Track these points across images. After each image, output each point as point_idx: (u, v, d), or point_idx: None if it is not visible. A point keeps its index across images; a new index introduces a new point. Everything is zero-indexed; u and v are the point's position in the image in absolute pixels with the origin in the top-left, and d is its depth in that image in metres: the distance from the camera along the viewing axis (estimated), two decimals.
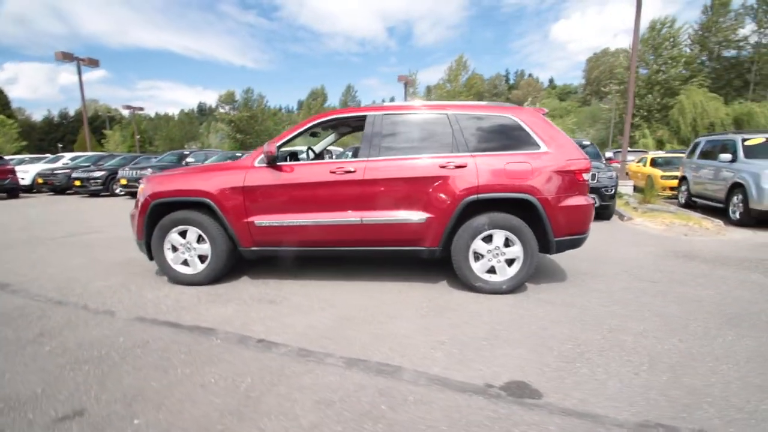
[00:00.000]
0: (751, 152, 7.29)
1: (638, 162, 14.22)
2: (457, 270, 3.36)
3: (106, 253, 4.99)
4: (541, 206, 3.19)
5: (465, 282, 3.38)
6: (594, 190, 6.79)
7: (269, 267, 4.17)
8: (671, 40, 35.29)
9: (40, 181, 14.61)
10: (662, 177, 11.59)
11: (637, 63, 38.41)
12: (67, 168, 14.95)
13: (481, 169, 3.22)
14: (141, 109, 41.60)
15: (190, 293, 3.40)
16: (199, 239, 3.54)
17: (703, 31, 37.13)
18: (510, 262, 3.35)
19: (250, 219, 3.42)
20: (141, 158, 15.95)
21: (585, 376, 2.11)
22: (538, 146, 3.28)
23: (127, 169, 12.81)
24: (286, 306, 3.13)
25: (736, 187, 7.12)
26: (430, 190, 3.26)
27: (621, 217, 7.63)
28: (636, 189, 11.56)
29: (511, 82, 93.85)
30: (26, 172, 15.19)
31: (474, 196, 3.21)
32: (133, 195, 12.67)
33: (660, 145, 32.16)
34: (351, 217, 3.33)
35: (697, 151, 9.26)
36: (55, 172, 14.60)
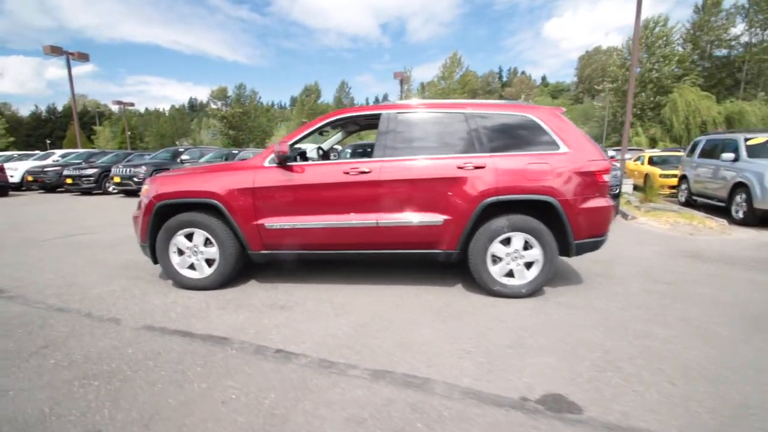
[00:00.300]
0: (754, 152, 7.30)
1: (635, 160, 14.28)
2: (475, 273, 3.28)
3: (104, 255, 4.82)
4: (561, 208, 3.11)
5: (482, 286, 3.30)
6: None
7: (277, 270, 4.04)
8: (664, 38, 35.59)
9: (30, 178, 14.23)
10: (661, 175, 11.64)
11: (630, 61, 38.94)
12: (58, 165, 14.59)
13: (500, 170, 3.13)
14: (131, 104, 40.88)
15: (198, 299, 3.28)
16: (207, 242, 3.41)
17: (695, 30, 37.46)
18: (528, 265, 3.27)
19: (260, 221, 3.29)
20: (134, 155, 15.62)
21: (621, 387, 2.04)
22: (557, 146, 3.20)
23: (120, 166, 12.52)
24: (300, 312, 3.02)
25: (739, 187, 7.14)
26: (448, 191, 3.16)
27: (625, 216, 7.62)
28: (635, 188, 11.59)
29: (504, 79, 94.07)
30: (15, 170, 14.79)
31: (493, 198, 3.12)
32: (127, 193, 12.42)
33: (653, 143, 32.47)
34: (366, 219, 3.22)
35: (698, 150, 9.28)
36: (46, 169, 14.24)
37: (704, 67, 37.78)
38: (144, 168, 11.79)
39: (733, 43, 35.92)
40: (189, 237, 3.42)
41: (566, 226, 3.15)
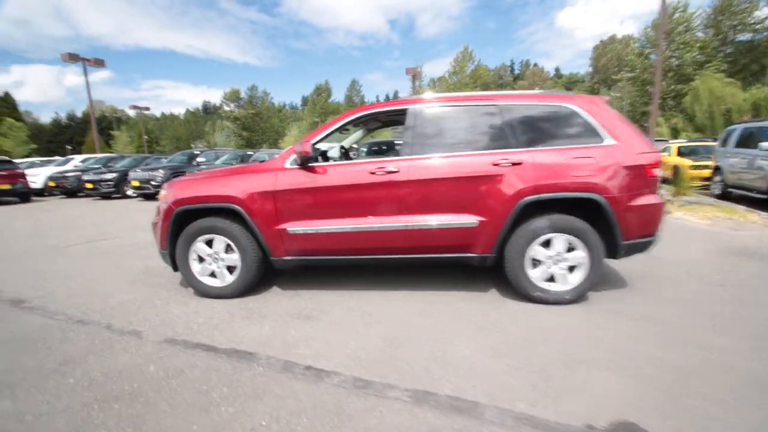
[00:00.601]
0: None
1: (662, 151, 13.70)
2: (512, 278, 3.04)
3: (124, 261, 4.74)
4: (608, 206, 2.85)
5: (521, 291, 3.06)
6: None
7: (300, 276, 3.88)
8: (684, 24, 34.29)
9: (51, 184, 14.49)
10: (691, 167, 11.11)
11: (650, 49, 37.75)
12: (78, 170, 14.81)
13: (539, 166, 2.88)
14: (147, 109, 41.58)
15: (220, 308, 3.13)
16: (227, 249, 3.26)
17: (716, 14, 35.99)
18: (571, 269, 3.02)
19: (282, 226, 3.12)
20: (151, 159, 15.76)
21: (700, 413, 1.78)
22: (602, 138, 2.93)
23: (138, 170, 12.62)
24: (327, 322, 2.84)
25: None
26: (482, 190, 2.93)
27: None
28: (664, 180, 11.09)
29: (516, 72, 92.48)
30: (37, 176, 15.08)
31: (532, 197, 2.88)
32: (145, 197, 12.50)
33: (675, 132, 31.35)
34: (394, 222, 3.02)
35: (732, 140, 8.79)
36: (66, 174, 14.46)
37: (727, 52, 36.28)
38: (161, 171, 11.84)
39: (757, 26, 34.35)
40: (209, 243, 3.27)
41: (614, 225, 2.89)
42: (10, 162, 13.58)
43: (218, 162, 12.75)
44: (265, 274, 3.50)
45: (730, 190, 8.64)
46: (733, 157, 8.48)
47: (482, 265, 3.14)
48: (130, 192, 12.93)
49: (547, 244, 3.00)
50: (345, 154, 4.28)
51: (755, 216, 6.43)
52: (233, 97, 56.46)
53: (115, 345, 2.57)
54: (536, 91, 3.19)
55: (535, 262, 3.03)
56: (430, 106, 3.13)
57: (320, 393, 1.99)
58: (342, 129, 3.47)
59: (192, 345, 2.53)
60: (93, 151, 25.96)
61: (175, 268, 3.38)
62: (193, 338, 2.62)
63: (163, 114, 74.26)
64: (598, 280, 3.10)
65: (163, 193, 3.40)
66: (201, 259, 3.30)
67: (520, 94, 3.14)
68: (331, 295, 3.36)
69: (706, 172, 10.31)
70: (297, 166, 3.13)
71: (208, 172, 3.63)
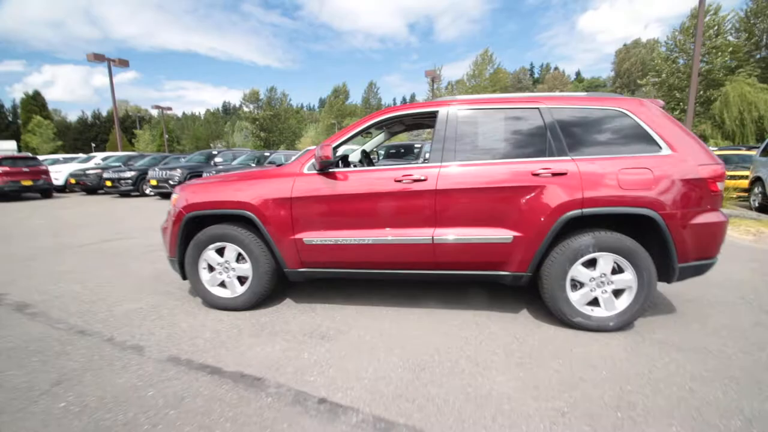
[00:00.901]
0: None
1: None
2: (549, 300, 2.73)
3: (135, 264, 4.60)
4: (664, 224, 2.52)
5: (558, 315, 2.75)
6: None
7: (314, 288, 3.64)
8: (715, 28, 32.99)
9: (72, 181, 14.74)
10: (728, 177, 10.50)
11: (677, 53, 36.49)
12: (99, 168, 15.02)
13: (586, 177, 2.57)
14: (169, 109, 42.37)
15: (229, 322, 2.91)
16: (239, 258, 3.04)
17: (750, 17, 34.55)
18: (617, 293, 2.69)
19: (298, 236, 2.89)
20: (170, 158, 15.88)
21: None
22: (659, 148, 2.60)
23: (156, 169, 12.68)
24: (344, 343, 2.58)
25: None
26: (520, 203, 2.64)
27: None
28: None
29: (536, 75, 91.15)
30: (59, 172, 15.37)
31: (576, 211, 2.56)
32: (163, 196, 12.55)
33: (703, 140, 30.13)
34: (419, 235, 2.75)
35: None
36: (87, 172, 14.68)
37: (760, 57, 34.75)
38: (179, 171, 11.85)
39: None
40: (220, 252, 3.06)
41: (669, 246, 2.55)
42: (33, 159, 13.84)
43: (235, 162, 12.70)
44: (277, 285, 3.27)
45: None
46: None
47: (515, 284, 2.83)
48: (148, 191, 13.01)
49: (590, 264, 2.68)
50: (366, 158, 4.03)
51: None
52: (253, 98, 57.13)
53: (115, 362, 2.37)
54: (584, 93, 2.87)
55: (576, 284, 2.72)
56: (463, 108, 2.85)
57: None
58: (365, 132, 3.22)
59: (196, 366, 2.30)
60: (116, 149, 26.52)
61: (184, 277, 3.18)
62: (198, 357, 2.40)
63: (184, 114, 75.74)
64: (648, 308, 2.76)
65: (174, 196, 3.21)
66: (211, 268, 3.09)
67: (565, 96, 2.83)
68: (348, 311, 3.11)
69: (743, 183, 9.71)
70: (315, 172, 2.89)
71: (221, 176, 3.43)
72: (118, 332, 2.77)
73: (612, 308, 2.68)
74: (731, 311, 3.11)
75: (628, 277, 2.63)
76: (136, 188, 13.32)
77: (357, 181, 2.84)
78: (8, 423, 1.82)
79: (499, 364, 2.30)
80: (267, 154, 14.04)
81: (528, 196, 2.62)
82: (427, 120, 3.51)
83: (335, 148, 2.88)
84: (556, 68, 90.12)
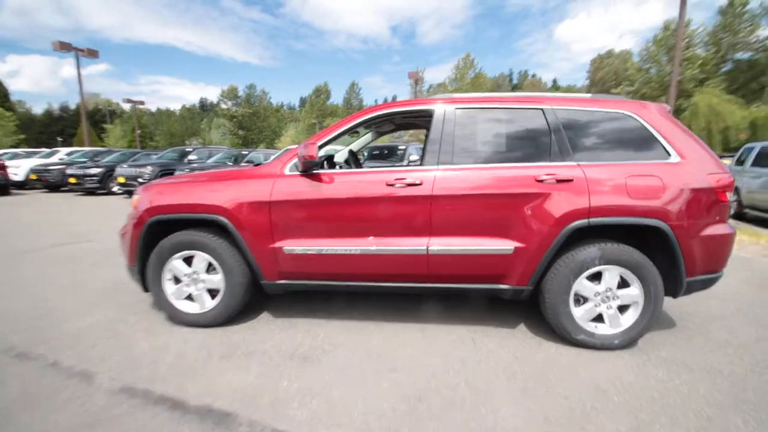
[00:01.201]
0: None
1: None
2: (552, 317, 2.53)
3: (93, 271, 4.16)
4: (674, 236, 2.36)
5: (560, 332, 2.55)
6: None
7: (295, 300, 3.33)
8: (686, 41, 34.39)
9: (33, 177, 13.76)
10: None
11: (650, 64, 37.89)
12: (62, 164, 14.10)
13: (593, 185, 2.39)
14: (142, 103, 40.72)
15: (196, 341, 2.58)
16: (209, 268, 2.71)
17: (718, 31, 36.19)
18: (622, 308, 2.52)
19: (278, 244, 2.59)
20: (140, 154, 15.12)
21: None
22: (668, 155, 2.44)
23: (125, 166, 11.99)
24: (329, 366, 2.30)
25: None
26: (522, 211, 2.43)
27: None
28: None
29: (515, 82, 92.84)
30: (19, 167, 14.34)
31: (583, 221, 2.38)
32: (131, 194, 11.79)
33: None
34: (413, 245, 2.50)
35: (750, 159, 8.42)
36: (50, 168, 13.74)
37: (726, 70, 36.45)
38: (149, 168, 11.22)
39: (758, 46, 34.54)
40: (188, 261, 2.72)
41: (678, 259, 2.40)
42: None
43: (211, 161, 12.14)
44: (253, 297, 2.95)
45: (746, 210, 8.26)
46: (751, 177, 8.10)
47: (514, 298, 2.63)
48: (115, 189, 12.26)
49: (594, 277, 2.50)
50: (354, 159, 3.76)
51: None
52: (231, 94, 55.76)
53: (58, 393, 2.01)
54: (589, 95, 2.70)
55: (579, 299, 2.53)
56: (461, 107, 2.62)
57: None
58: (352, 131, 2.95)
59: (155, 398, 1.97)
60: (84, 144, 25.15)
61: (146, 289, 2.82)
62: (158, 387, 2.07)
63: (158, 109, 73.08)
64: (653, 325, 2.60)
65: (135, 197, 2.85)
66: (177, 280, 2.75)
67: (569, 97, 2.65)
68: (332, 327, 2.82)
69: None
70: (298, 173, 2.60)
71: (191, 175, 3.09)
72: (65, 355, 2.39)
73: (617, 325, 2.50)
74: (731, 325, 3.00)
75: (634, 292, 2.46)
76: (102, 186, 12.56)
77: (344, 184, 2.57)
78: None
79: (502, 391, 2.07)
80: (245, 152, 13.51)
81: (531, 204, 2.41)
82: (419, 119, 3.28)
83: (320, 147, 2.59)
84: (534, 75, 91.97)
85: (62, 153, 16.60)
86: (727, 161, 11.03)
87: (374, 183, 2.54)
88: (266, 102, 57.80)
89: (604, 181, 2.39)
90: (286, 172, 2.62)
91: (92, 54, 22.85)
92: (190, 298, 2.77)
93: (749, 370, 2.35)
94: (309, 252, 2.57)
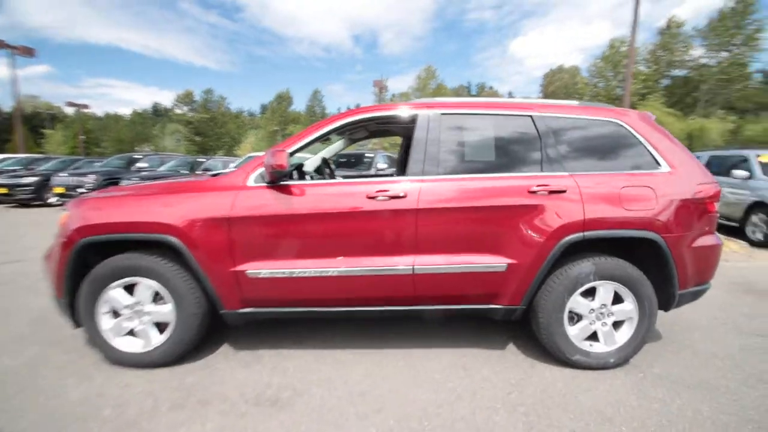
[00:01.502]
0: (767, 169, 6.94)
1: None
2: (545, 336, 2.35)
3: (20, 298, 3.54)
4: (667, 248, 2.26)
5: (555, 353, 2.38)
6: None
7: (259, 327, 2.94)
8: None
9: None
10: None
11: (597, 78, 40.46)
12: None
13: (587, 196, 2.24)
14: (86, 106, 37.93)
15: (140, 387, 2.15)
16: (156, 298, 2.30)
17: (657, 49, 39.30)
18: (615, 325, 2.39)
19: (241, 267, 2.23)
20: (82, 162, 13.86)
21: None
22: (657, 164, 2.36)
23: (63, 174, 10.85)
24: (303, 410, 1.97)
25: (757, 206, 6.71)
26: (515, 224, 2.24)
27: None
28: None
29: (473, 92, 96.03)
30: None
31: (578, 235, 2.22)
32: None
33: None
34: (397, 264, 2.24)
35: None
36: None
37: (665, 85, 39.61)
38: (92, 177, 10.24)
39: (691, 64, 37.87)
40: (129, 290, 2.29)
41: (671, 271, 2.30)
42: None
43: (162, 168, 11.28)
44: (211, 327, 2.56)
45: None
46: None
47: (506, 318, 2.43)
48: (52, 200, 11.07)
49: (587, 293, 2.35)
50: (327, 168, 3.44)
51: (735, 245, 6.36)
52: (186, 99, 53.29)
53: None
54: (576, 102, 2.58)
55: (573, 317, 2.37)
56: (448, 113, 2.40)
57: None
58: (324, 138, 2.64)
59: None
60: (19, 151, 22.84)
61: (77, 324, 2.35)
62: None
63: (106, 114, 68.37)
64: (646, 341, 2.49)
65: (63, 215, 2.38)
66: (116, 313, 2.30)
67: (558, 104, 2.51)
68: (305, 359, 2.48)
69: None
70: (265, 185, 2.26)
71: (134, 187, 2.66)
72: None
73: (612, 343, 2.37)
74: (712, 334, 2.98)
75: (628, 307, 2.34)
76: (37, 197, 11.31)
77: (318, 196, 2.26)
78: None
79: (504, 427, 1.84)
80: (201, 159, 12.72)
81: (524, 217, 2.23)
82: (397, 125, 3.04)
83: (292, 155, 2.28)
84: (491, 87, 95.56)
85: None
86: None
87: (353, 196, 2.26)
88: (224, 108, 55.72)
89: (597, 193, 2.26)
90: (251, 183, 2.27)
91: (28, 52, 20.95)
92: (132, 333, 2.33)
93: (743, 384, 2.28)
94: (277, 275, 2.23)
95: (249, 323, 2.73)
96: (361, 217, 2.21)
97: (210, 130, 52.23)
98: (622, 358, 2.37)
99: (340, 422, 1.88)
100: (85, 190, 9.87)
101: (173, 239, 2.19)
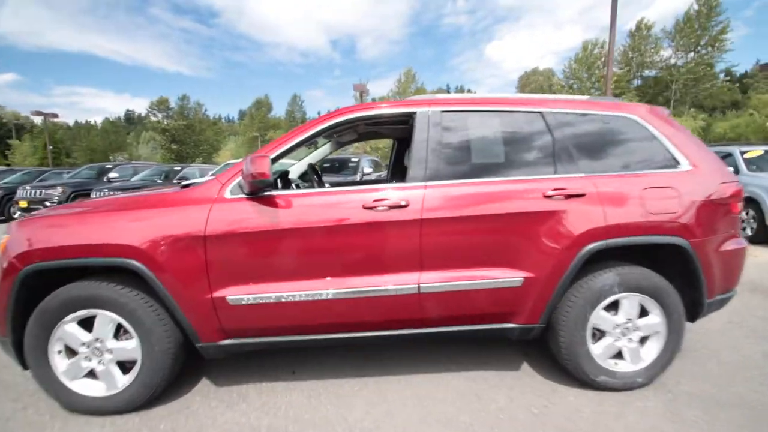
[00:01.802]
0: (752, 165, 6.99)
1: None
2: (567, 357, 2.12)
3: None
4: (695, 254, 2.06)
5: (577, 374, 2.14)
6: None
7: (243, 358, 2.61)
8: (603, 59, 38.00)
9: None
10: None
11: (572, 80, 41.35)
12: None
13: (607, 199, 2.03)
14: (55, 115, 36.21)
15: None
16: (119, 332, 1.96)
17: (628, 51, 40.47)
18: (642, 340, 2.18)
19: (219, 293, 1.91)
20: (50, 173, 13.09)
21: None
22: (677, 163, 2.16)
23: (28, 187, 10.15)
24: None
25: (744, 203, 6.74)
26: (530, 233, 2.00)
27: None
28: None
29: None
30: None
31: (600, 243, 2.00)
32: None
33: None
34: (400, 283, 1.96)
35: None
36: None
37: (637, 86, 40.83)
38: (59, 189, 9.59)
39: (661, 65, 39.13)
40: (86, 324, 1.94)
41: (699, 279, 2.11)
42: None
43: (136, 179, 10.71)
44: (188, 359, 2.22)
45: None
46: None
47: (522, 338, 2.18)
48: (17, 215, 10.35)
49: (610, 307, 2.13)
50: (315, 175, 3.12)
51: None
52: (161, 106, 51.81)
53: None
54: (586, 97, 2.37)
55: (595, 333, 2.15)
56: (447, 110, 2.15)
57: None
58: (310, 141, 2.35)
59: None
60: None
61: (25, 366, 1.98)
62: None
63: (77, 122, 65.86)
64: (674, 357, 2.28)
65: (4, 238, 2.01)
66: (71, 352, 1.95)
67: (567, 100, 2.29)
68: (297, 394, 2.17)
69: None
70: (244, 196, 1.96)
71: (91, 202, 2.30)
72: None
73: (638, 361, 2.15)
74: (731, 341, 2.82)
75: (655, 321, 2.13)
76: (0, 212, 10.58)
77: (307, 208, 1.97)
78: None
79: None
80: (177, 168, 12.15)
81: (540, 225, 2.00)
82: (392, 126, 2.78)
83: (274, 162, 1.98)
84: (468, 90, 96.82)
85: None
86: None
87: (347, 206, 1.97)
88: (201, 114, 54.38)
89: (618, 195, 2.04)
90: (228, 195, 1.96)
91: None
92: (93, 374, 1.98)
93: None
94: (262, 300, 1.92)
95: (231, 356, 2.39)
96: (358, 231, 1.93)
97: (187, 138, 50.83)
98: (650, 377, 2.16)
99: None
100: (52, 204, 9.24)
101: (135, 263, 1.85)
